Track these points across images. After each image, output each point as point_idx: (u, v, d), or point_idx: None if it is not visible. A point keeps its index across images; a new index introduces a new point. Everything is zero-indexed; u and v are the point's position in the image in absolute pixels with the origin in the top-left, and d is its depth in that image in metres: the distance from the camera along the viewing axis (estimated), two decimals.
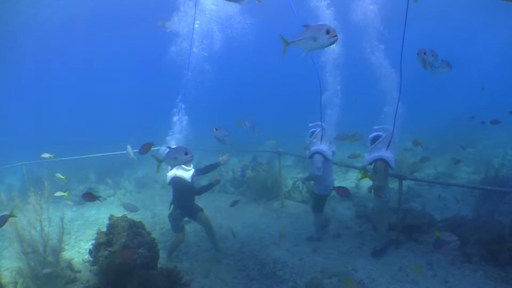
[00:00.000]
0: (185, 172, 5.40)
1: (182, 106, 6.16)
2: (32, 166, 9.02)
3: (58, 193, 6.43)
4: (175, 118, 6.15)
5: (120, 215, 4.76)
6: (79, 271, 5.34)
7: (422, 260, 5.04)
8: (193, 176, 5.50)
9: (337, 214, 7.26)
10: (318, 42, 2.99)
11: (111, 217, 4.65)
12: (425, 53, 4.28)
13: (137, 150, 5.03)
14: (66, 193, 6.51)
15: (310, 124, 5.77)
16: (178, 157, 4.08)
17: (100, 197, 4.43)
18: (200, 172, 5.79)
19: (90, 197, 4.36)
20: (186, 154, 4.06)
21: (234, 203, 6.18)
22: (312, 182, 6.56)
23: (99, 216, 8.25)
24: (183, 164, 4.80)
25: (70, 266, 5.37)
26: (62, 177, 7.49)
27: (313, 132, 5.64)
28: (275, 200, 8.32)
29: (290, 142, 11.62)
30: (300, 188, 8.52)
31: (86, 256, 5.84)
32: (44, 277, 4.50)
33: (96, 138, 16.61)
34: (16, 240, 4.55)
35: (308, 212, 7.32)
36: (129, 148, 6.76)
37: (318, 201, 5.83)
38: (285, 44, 3.27)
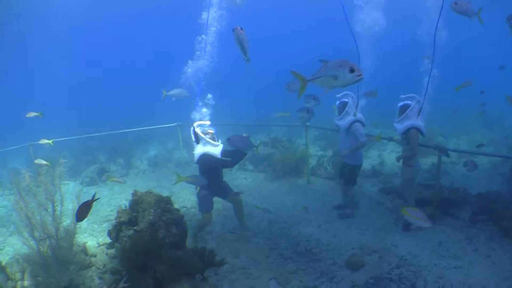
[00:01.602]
0: (215, 148, 4.84)
1: (205, 36, 5.64)
2: (37, 148, 8.45)
3: (38, 161, 5.71)
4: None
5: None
6: (94, 255, 4.89)
7: (460, 235, 4.90)
8: (222, 152, 4.95)
9: (365, 191, 6.99)
10: (339, 81, 2.56)
11: (135, 193, 4.16)
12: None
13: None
14: (48, 162, 5.70)
15: (338, 95, 5.53)
16: (338, 75, 2.52)
17: (95, 196, 3.11)
18: (226, 154, 5.06)
19: (86, 208, 2.94)
20: (351, 71, 2.47)
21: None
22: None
23: (112, 197, 7.78)
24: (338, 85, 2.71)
25: (84, 250, 4.91)
26: (49, 141, 6.93)
27: (342, 103, 5.38)
28: (299, 177, 7.93)
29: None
30: (325, 165, 8.13)
31: (101, 239, 5.41)
32: (56, 263, 4.01)
33: (107, 119, 16.07)
34: (25, 224, 4.03)
35: (335, 188, 7.03)
36: (178, 90, 6.15)
37: (353, 173, 5.57)
38: (302, 83, 2.70)
